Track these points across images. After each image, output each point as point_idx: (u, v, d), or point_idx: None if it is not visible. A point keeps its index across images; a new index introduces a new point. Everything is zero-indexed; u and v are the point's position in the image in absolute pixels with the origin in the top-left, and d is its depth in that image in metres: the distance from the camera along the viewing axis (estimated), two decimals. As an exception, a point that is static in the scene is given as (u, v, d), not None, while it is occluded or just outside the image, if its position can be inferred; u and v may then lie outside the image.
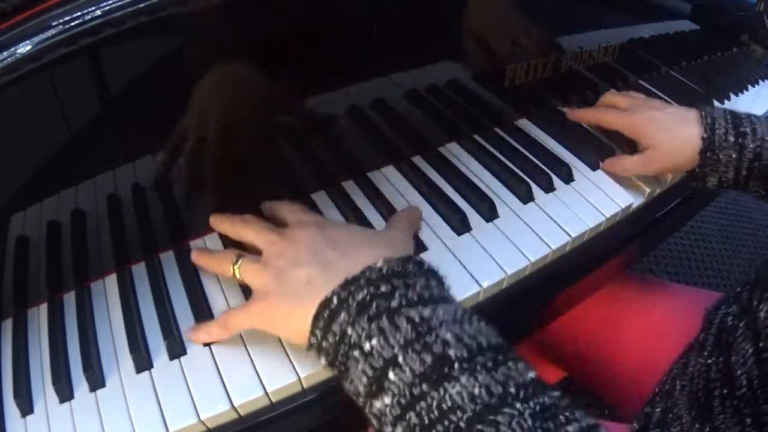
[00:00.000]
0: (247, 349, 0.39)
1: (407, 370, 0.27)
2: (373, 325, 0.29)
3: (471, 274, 0.43)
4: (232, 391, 0.36)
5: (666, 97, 0.67)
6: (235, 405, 0.36)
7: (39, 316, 0.43)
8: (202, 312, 0.41)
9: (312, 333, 0.32)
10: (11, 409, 0.38)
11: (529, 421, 0.24)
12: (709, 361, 0.40)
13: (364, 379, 0.28)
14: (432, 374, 0.26)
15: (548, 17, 0.55)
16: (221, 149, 0.42)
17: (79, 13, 0.32)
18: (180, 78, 0.38)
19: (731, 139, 0.47)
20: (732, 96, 0.74)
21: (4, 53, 0.31)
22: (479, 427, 0.24)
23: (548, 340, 0.73)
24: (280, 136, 0.45)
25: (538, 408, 0.25)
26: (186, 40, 0.37)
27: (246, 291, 0.42)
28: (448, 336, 0.28)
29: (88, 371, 0.38)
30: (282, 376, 0.37)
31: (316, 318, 0.31)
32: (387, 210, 0.48)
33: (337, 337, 0.30)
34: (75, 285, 0.44)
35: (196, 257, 0.43)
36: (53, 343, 0.40)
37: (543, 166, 0.54)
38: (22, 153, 0.36)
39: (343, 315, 0.30)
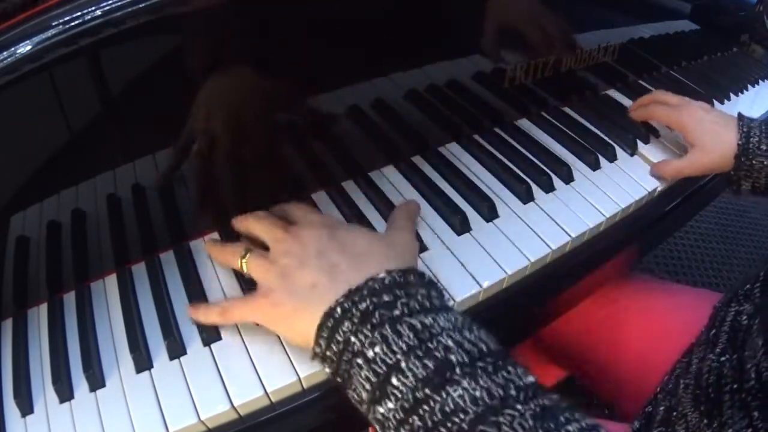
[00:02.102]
0: (247, 349, 0.39)
1: (410, 375, 0.27)
2: (376, 332, 0.29)
3: (471, 275, 0.43)
4: (232, 391, 0.36)
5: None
6: (235, 405, 0.36)
7: (39, 316, 0.43)
8: (202, 312, 0.41)
9: (316, 342, 0.33)
10: (11, 409, 0.38)
11: (531, 422, 0.25)
12: (723, 359, 0.40)
13: (368, 386, 0.29)
14: (434, 378, 0.27)
15: (549, 17, 0.55)
16: (227, 148, 0.42)
17: (79, 13, 0.32)
18: (180, 78, 0.38)
19: (764, 147, 0.51)
20: (732, 96, 0.74)
21: (4, 53, 0.31)
22: (481, 428, 0.25)
23: (548, 340, 0.73)
24: (283, 135, 0.46)
25: (538, 409, 0.26)
26: (186, 40, 0.37)
27: (245, 291, 0.42)
28: (450, 342, 0.28)
29: (88, 371, 0.38)
30: (282, 376, 0.37)
31: (320, 328, 0.32)
32: (387, 209, 0.48)
33: (341, 346, 0.31)
34: (75, 285, 0.44)
35: (208, 248, 0.45)
36: (53, 343, 0.40)
37: (543, 166, 0.54)
38: (22, 153, 0.36)
39: (346, 324, 0.31)
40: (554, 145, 0.58)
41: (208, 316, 0.40)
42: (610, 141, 0.59)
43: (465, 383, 0.27)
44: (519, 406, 0.26)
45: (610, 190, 0.53)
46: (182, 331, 0.40)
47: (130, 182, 0.41)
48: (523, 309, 0.46)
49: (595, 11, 0.61)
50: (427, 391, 0.27)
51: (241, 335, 0.40)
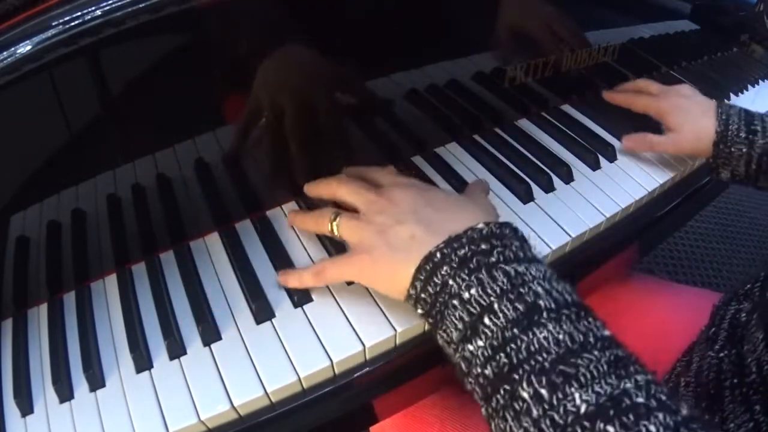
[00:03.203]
0: (246, 349, 0.39)
1: (501, 315, 0.30)
2: (473, 276, 0.31)
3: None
4: (232, 391, 0.36)
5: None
6: (235, 405, 0.36)
7: (39, 316, 0.43)
8: (202, 312, 0.41)
9: (412, 284, 0.34)
10: (11, 409, 0.38)
11: (605, 367, 0.27)
12: (722, 354, 0.41)
13: (460, 325, 0.31)
14: (523, 320, 0.29)
15: (549, 16, 0.55)
16: (295, 118, 0.43)
17: (79, 13, 0.32)
18: (180, 78, 0.38)
19: (742, 135, 0.50)
20: (732, 96, 0.74)
21: (4, 53, 0.31)
22: (561, 367, 0.27)
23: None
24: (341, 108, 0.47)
25: (612, 357, 0.28)
26: (186, 40, 0.37)
27: (245, 291, 0.42)
28: (540, 289, 0.31)
29: (88, 371, 0.38)
30: (282, 375, 0.37)
31: (419, 270, 0.34)
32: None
33: (438, 288, 0.32)
34: (75, 285, 0.44)
35: (292, 219, 0.46)
36: (53, 343, 0.40)
37: (543, 166, 0.54)
38: (22, 153, 0.36)
39: (445, 268, 0.32)
40: (554, 145, 0.58)
41: (301, 280, 0.40)
42: (610, 141, 0.58)
43: (551, 326, 0.29)
44: (596, 353, 0.28)
45: (610, 189, 0.53)
46: (182, 331, 0.40)
47: (130, 182, 0.41)
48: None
49: (595, 11, 0.61)
50: (515, 330, 0.29)
51: (240, 335, 0.40)
